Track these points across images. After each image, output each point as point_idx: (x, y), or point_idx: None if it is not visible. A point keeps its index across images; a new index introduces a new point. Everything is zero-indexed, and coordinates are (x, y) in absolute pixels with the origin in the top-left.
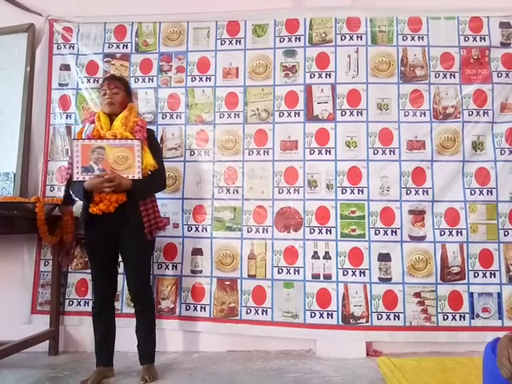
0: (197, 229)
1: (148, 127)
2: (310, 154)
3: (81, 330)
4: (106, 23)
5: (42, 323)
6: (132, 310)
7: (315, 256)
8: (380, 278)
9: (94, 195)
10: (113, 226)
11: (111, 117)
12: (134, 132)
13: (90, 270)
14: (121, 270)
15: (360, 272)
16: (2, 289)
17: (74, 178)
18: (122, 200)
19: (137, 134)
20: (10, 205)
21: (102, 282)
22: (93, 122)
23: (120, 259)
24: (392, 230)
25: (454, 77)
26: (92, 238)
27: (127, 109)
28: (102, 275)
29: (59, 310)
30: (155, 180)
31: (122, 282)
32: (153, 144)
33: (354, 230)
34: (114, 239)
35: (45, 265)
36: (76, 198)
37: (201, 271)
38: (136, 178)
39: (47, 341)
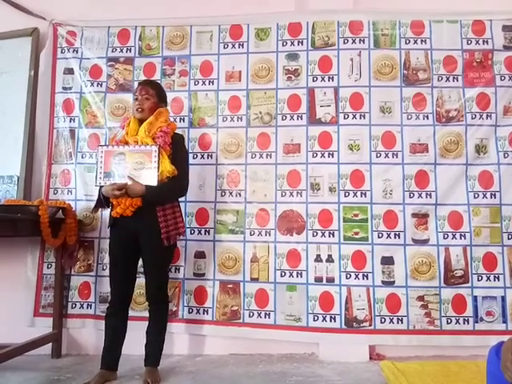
0: (199, 232)
1: (177, 132)
2: (313, 157)
3: (83, 332)
4: (109, 27)
5: (45, 326)
6: (136, 314)
7: (318, 259)
8: (383, 282)
9: (111, 200)
10: (132, 229)
11: (141, 122)
12: (156, 138)
13: (92, 273)
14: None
15: (363, 275)
16: (6, 291)
17: (97, 184)
18: (137, 204)
19: (158, 139)
20: (13, 208)
21: (119, 285)
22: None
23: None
24: (395, 234)
25: (457, 80)
26: (115, 239)
27: (154, 114)
28: (120, 277)
29: (62, 313)
30: (171, 186)
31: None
32: (177, 149)
33: (356, 233)
34: (134, 242)
35: (48, 267)
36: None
37: (203, 274)
38: (151, 183)
39: (50, 343)
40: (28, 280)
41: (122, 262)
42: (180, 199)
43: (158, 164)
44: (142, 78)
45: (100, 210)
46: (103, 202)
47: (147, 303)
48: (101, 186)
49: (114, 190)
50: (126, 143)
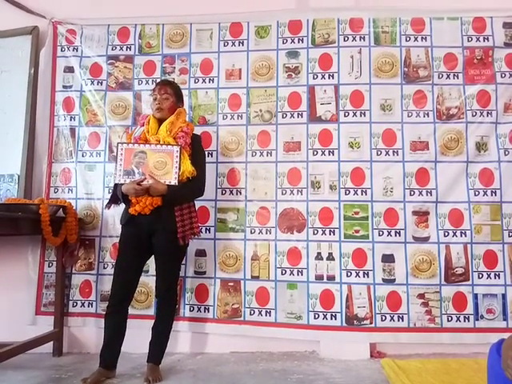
0: (200, 230)
1: (195, 133)
2: (314, 154)
3: (84, 331)
4: (109, 25)
5: (46, 324)
6: (136, 312)
7: (318, 257)
8: (384, 279)
9: (130, 198)
10: (148, 227)
11: (160, 121)
12: (177, 138)
13: (93, 272)
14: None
15: (364, 273)
16: (7, 290)
17: (116, 181)
18: (157, 204)
19: (179, 139)
20: (14, 206)
21: (122, 282)
22: (143, 125)
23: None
24: (396, 231)
25: (458, 77)
26: (127, 236)
27: (175, 114)
28: (124, 275)
29: (63, 311)
30: (191, 187)
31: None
32: (195, 150)
33: (357, 231)
34: (147, 241)
35: (49, 266)
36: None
37: (204, 272)
38: (172, 183)
39: (51, 342)
40: (29, 279)
41: (132, 259)
42: None
43: (180, 164)
44: (142, 76)
45: (112, 206)
46: (121, 199)
47: (157, 300)
48: (116, 184)
49: (138, 188)
50: (146, 141)
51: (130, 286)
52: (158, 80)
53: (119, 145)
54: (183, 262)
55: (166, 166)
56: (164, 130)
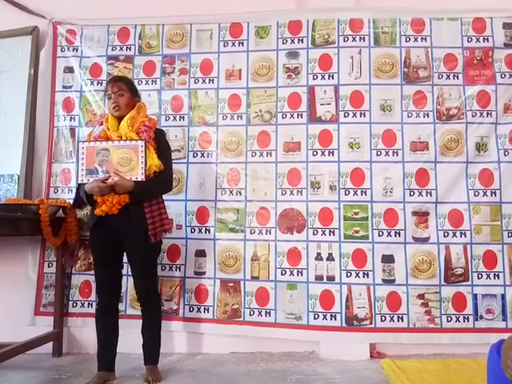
0: (200, 230)
1: (158, 127)
2: (313, 155)
3: (84, 331)
4: (109, 26)
5: (46, 325)
6: (136, 312)
7: (318, 257)
8: (383, 280)
9: (95, 198)
10: (117, 227)
11: (120, 119)
12: (140, 132)
13: (93, 272)
14: (124, 271)
15: (363, 273)
16: (7, 290)
17: (79, 181)
18: (125, 201)
19: (142, 134)
20: (14, 207)
21: (105, 285)
22: (102, 124)
23: (125, 261)
24: (395, 232)
25: (458, 78)
26: (97, 239)
27: (135, 109)
28: (106, 277)
29: (63, 312)
30: (159, 181)
31: (125, 283)
32: (161, 144)
33: (357, 232)
34: (119, 241)
35: (49, 266)
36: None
37: (204, 273)
38: (139, 179)
39: (51, 342)
40: (29, 279)
41: (109, 263)
42: (180, 198)
43: (145, 159)
44: (142, 76)
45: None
46: (84, 200)
47: (140, 303)
48: (79, 184)
49: (103, 186)
50: (107, 139)
51: (113, 288)
52: (110, 77)
53: (80, 143)
54: (182, 262)
55: (132, 162)
56: (125, 126)
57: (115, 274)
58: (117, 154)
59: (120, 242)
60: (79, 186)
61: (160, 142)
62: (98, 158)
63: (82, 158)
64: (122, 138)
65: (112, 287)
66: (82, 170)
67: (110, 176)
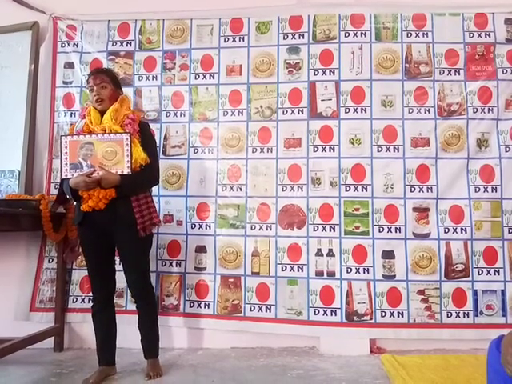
0: (200, 226)
1: (142, 120)
2: (314, 151)
3: (85, 326)
4: (109, 21)
5: (46, 320)
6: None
7: (319, 253)
8: (384, 276)
9: (79, 193)
10: (106, 223)
11: (102, 112)
12: (124, 125)
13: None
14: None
15: (364, 269)
16: (8, 285)
17: (63, 176)
18: (111, 196)
19: (127, 127)
20: (14, 202)
21: (99, 281)
22: (84, 118)
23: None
24: (396, 228)
25: (459, 73)
26: (86, 236)
27: (118, 101)
28: (99, 274)
29: (64, 307)
30: (146, 174)
31: (125, 279)
32: (146, 137)
33: (357, 228)
34: (108, 237)
35: (49, 262)
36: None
37: (204, 268)
38: (125, 173)
39: (52, 337)
40: (30, 274)
41: (100, 259)
42: (180, 193)
43: (131, 152)
44: (143, 71)
45: (61, 206)
46: (69, 196)
47: (134, 300)
48: (63, 180)
49: (88, 180)
50: (90, 133)
51: (108, 283)
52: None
53: (62, 138)
54: (183, 258)
55: (117, 156)
56: (109, 119)
57: (108, 269)
58: (101, 147)
59: (110, 238)
60: (62, 182)
61: (145, 135)
62: (82, 152)
63: (66, 153)
64: (105, 131)
65: (106, 283)
66: (66, 164)
67: (95, 170)
